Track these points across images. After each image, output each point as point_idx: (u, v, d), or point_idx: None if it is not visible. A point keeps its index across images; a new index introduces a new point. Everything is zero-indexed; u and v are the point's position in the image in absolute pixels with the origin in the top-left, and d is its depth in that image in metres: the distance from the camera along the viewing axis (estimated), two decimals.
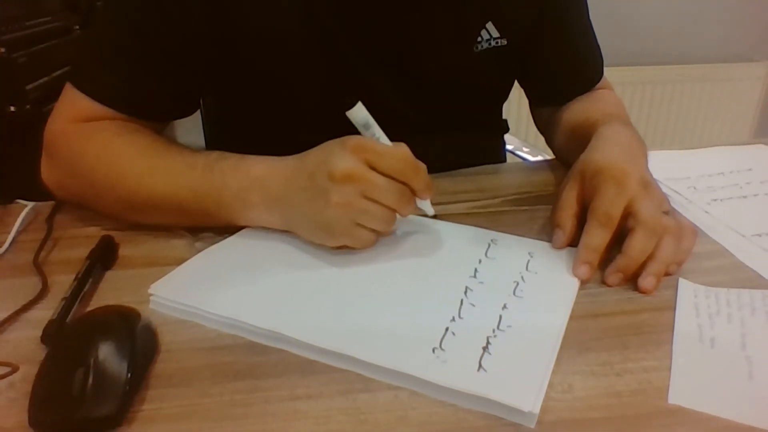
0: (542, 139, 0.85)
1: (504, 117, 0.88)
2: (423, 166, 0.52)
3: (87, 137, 0.61)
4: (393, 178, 0.50)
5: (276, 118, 0.72)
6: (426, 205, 0.57)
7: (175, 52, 0.63)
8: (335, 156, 0.50)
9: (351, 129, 0.59)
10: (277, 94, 0.70)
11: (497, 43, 0.71)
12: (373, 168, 0.49)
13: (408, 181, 0.51)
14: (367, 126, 0.52)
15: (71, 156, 0.61)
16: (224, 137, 0.86)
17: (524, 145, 1.12)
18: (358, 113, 0.51)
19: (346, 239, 0.52)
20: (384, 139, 0.53)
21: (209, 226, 0.58)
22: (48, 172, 0.63)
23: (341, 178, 0.49)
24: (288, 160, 0.54)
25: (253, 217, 0.56)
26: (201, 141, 0.96)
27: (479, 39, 0.70)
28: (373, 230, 0.52)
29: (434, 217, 0.58)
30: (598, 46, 0.79)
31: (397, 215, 0.53)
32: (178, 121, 0.71)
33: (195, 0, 0.61)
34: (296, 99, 0.70)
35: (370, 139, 0.52)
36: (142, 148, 0.60)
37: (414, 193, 0.52)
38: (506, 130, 0.89)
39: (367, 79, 0.69)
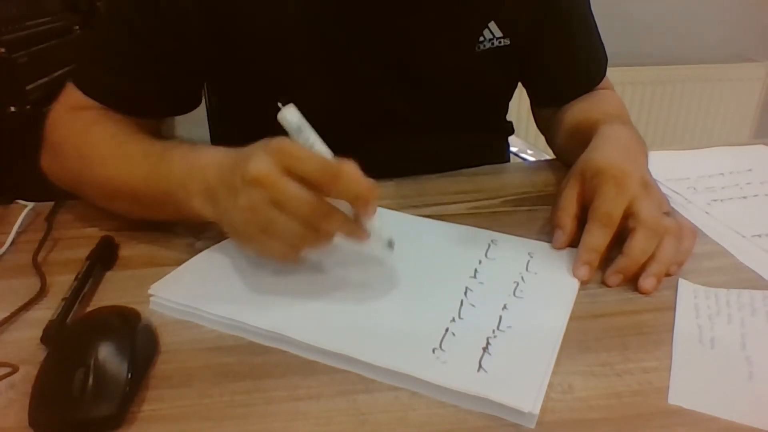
0: (543, 139, 0.85)
1: (510, 120, 0.88)
2: (348, 173, 0.44)
3: (70, 125, 0.63)
4: (314, 186, 0.44)
5: (276, 117, 0.72)
6: (373, 227, 0.47)
7: (171, 51, 0.63)
8: (253, 156, 0.46)
9: (349, 130, 0.58)
10: (276, 94, 0.70)
11: (500, 42, 0.71)
12: (290, 173, 0.44)
13: (326, 189, 0.45)
14: (299, 130, 0.47)
15: (57, 141, 0.63)
16: (229, 135, 0.87)
17: (529, 147, 1.11)
18: (289, 117, 0.46)
19: (254, 247, 0.49)
20: (319, 145, 0.47)
21: (168, 219, 0.58)
22: (42, 158, 0.65)
23: (251, 180, 0.45)
24: (229, 152, 0.50)
25: (195, 207, 0.51)
26: (206, 138, 0.96)
27: (481, 39, 0.70)
28: (287, 243, 0.47)
29: (390, 244, 0.48)
30: (602, 45, 0.79)
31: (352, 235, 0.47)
32: (184, 118, 0.71)
33: (192, 1, 0.61)
34: (295, 100, 0.70)
35: (295, 143, 0.46)
36: (110, 135, 0.60)
37: (353, 205, 0.46)
38: (510, 131, 0.89)
39: (368, 79, 0.69)
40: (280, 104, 0.46)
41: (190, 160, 0.53)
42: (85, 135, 0.61)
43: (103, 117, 0.63)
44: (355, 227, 0.47)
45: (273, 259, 0.49)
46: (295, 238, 0.46)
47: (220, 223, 0.51)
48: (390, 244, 0.48)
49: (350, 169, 0.45)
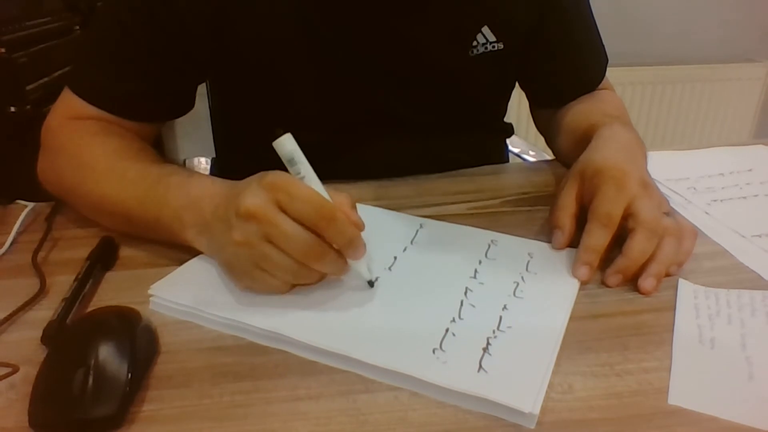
0: (543, 139, 0.85)
1: (509, 120, 0.88)
2: (342, 218, 0.44)
3: (69, 134, 0.62)
4: (304, 226, 0.44)
5: (274, 118, 0.72)
6: (360, 267, 0.48)
7: (167, 53, 0.63)
8: (247, 190, 0.45)
9: (349, 130, 0.58)
10: (274, 96, 0.70)
11: (494, 47, 0.70)
12: (284, 210, 0.44)
13: (320, 232, 0.44)
14: (291, 162, 0.45)
15: (53, 151, 0.63)
16: (231, 135, 0.87)
17: (531, 148, 1.11)
18: (283, 146, 0.45)
19: (247, 281, 0.47)
20: (311, 179, 0.46)
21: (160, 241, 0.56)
22: (39, 165, 0.65)
23: (245, 215, 0.44)
24: (226, 185, 0.51)
25: (188, 239, 0.52)
26: (210, 140, 0.96)
27: (475, 43, 0.70)
28: (279, 278, 0.46)
29: (370, 284, 0.49)
30: (603, 46, 0.79)
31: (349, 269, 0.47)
32: (188, 119, 0.71)
33: (187, 3, 0.61)
34: (293, 100, 0.70)
35: (291, 177, 0.45)
36: (109, 151, 0.60)
37: (337, 247, 0.46)
38: (510, 132, 0.89)
39: (363, 81, 0.69)
40: (278, 131, 0.45)
41: (186, 191, 0.52)
42: (84, 147, 0.60)
43: (103, 130, 0.62)
44: (344, 267, 0.47)
45: (264, 292, 0.48)
46: (287, 274, 0.46)
47: (213, 257, 0.51)
48: (370, 284, 0.49)
49: (343, 211, 0.45)
